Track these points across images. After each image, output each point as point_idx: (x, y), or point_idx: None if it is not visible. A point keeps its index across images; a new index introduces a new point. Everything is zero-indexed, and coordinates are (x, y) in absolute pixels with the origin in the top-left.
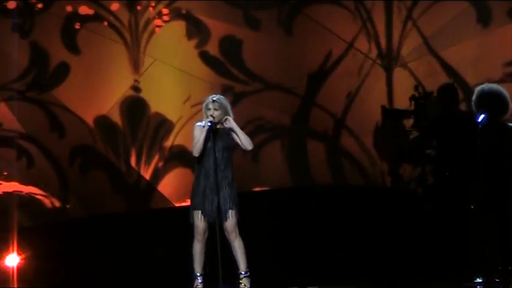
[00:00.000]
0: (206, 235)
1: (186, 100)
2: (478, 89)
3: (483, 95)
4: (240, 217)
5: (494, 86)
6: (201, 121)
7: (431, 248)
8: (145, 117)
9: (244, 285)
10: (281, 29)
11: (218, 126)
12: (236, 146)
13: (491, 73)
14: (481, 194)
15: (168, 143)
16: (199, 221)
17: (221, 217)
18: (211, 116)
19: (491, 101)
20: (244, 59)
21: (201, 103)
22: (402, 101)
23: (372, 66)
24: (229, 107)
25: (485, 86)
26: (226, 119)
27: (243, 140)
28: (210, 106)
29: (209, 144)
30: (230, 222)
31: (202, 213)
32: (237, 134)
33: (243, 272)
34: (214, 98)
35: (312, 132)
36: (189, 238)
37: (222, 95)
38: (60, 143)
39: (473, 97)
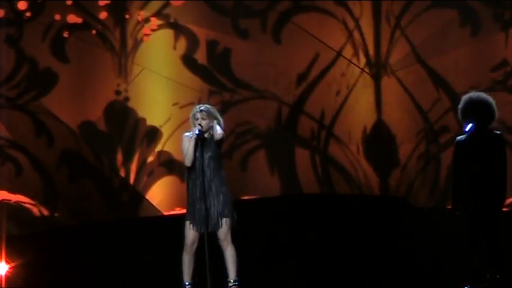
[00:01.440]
0: (195, 246)
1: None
2: (465, 97)
3: (470, 103)
4: (236, 224)
5: (482, 94)
6: (188, 131)
7: (420, 256)
8: (134, 125)
9: None
10: (269, 37)
11: (206, 135)
12: (221, 154)
13: (479, 81)
14: (468, 202)
15: (156, 152)
16: (188, 231)
17: (212, 225)
18: (199, 124)
19: (478, 109)
20: (233, 68)
21: (188, 111)
22: (390, 109)
23: (360, 75)
24: (218, 115)
25: (473, 94)
26: (211, 125)
27: (217, 129)
28: (198, 116)
29: (197, 154)
30: (222, 229)
31: (191, 223)
32: (213, 126)
33: (231, 281)
34: (201, 108)
35: (300, 140)
36: (178, 247)
37: (209, 104)
38: (48, 151)
39: (460, 105)
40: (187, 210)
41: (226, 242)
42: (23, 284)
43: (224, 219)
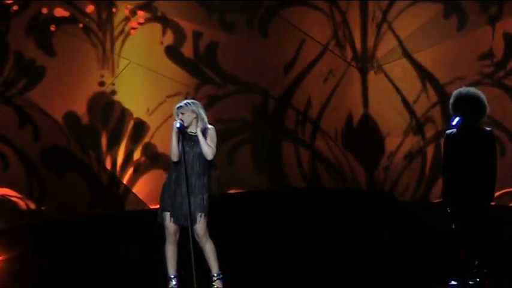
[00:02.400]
0: (178, 236)
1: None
2: (455, 92)
3: (461, 98)
4: (209, 221)
5: (472, 89)
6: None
7: (406, 249)
8: (120, 119)
9: (216, 286)
10: (256, 31)
11: (190, 131)
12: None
13: (466, 75)
14: (459, 196)
15: (143, 145)
16: (170, 222)
17: (191, 221)
18: (180, 119)
19: (468, 104)
20: (220, 61)
21: (175, 104)
22: (377, 103)
23: (347, 69)
24: (199, 110)
25: (463, 89)
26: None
27: (204, 148)
28: (178, 112)
29: (186, 149)
30: (200, 226)
31: (172, 215)
32: (200, 142)
33: (215, 275)
34: (180, 104)
35: (287, 134)
36: (164, 240)
37: (194, 98)
38: (34, 144)
39: (451, 100)
40: (163, 201)
41: (205, 238)
42: (9, 277)
43: (201, 215)
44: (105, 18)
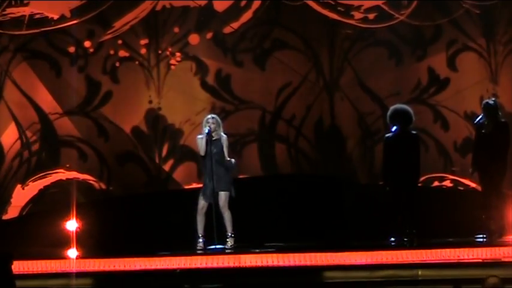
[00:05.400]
0: (204, 210)
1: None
2: (391, 108)
3: (396, 111)
4: (234, 195)
5: (404, 106)
6: (200, 134)
7: (360, 217)
8: (164, 127)
9: (229, 242)
10: (258, 66)
11: (213, 135)
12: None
13: (401, 97)
14: (395, 180)
15: (180, 146)
16: (200, 200)
17: (216, 197)
18: (208, 126)
19: (401, 116)
20: (233, 87)
21: (202, 117)
22: (340, 116)
23: (320, 92)
24: (219, 122)
25: (397, 105)
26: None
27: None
28: (209, 121)
29: (208, 148)
30: (222, 200)
31: (202, 195)
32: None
33: (229, 234)
34: (209, 116)
35: (279, 137)
36: (194, 210)
37: (215, 113)
38: (105, 145)
39: (388, 113)
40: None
41: (225, 209)
42: (87, 237)
43: (223, 193)
44: (154, 57)
